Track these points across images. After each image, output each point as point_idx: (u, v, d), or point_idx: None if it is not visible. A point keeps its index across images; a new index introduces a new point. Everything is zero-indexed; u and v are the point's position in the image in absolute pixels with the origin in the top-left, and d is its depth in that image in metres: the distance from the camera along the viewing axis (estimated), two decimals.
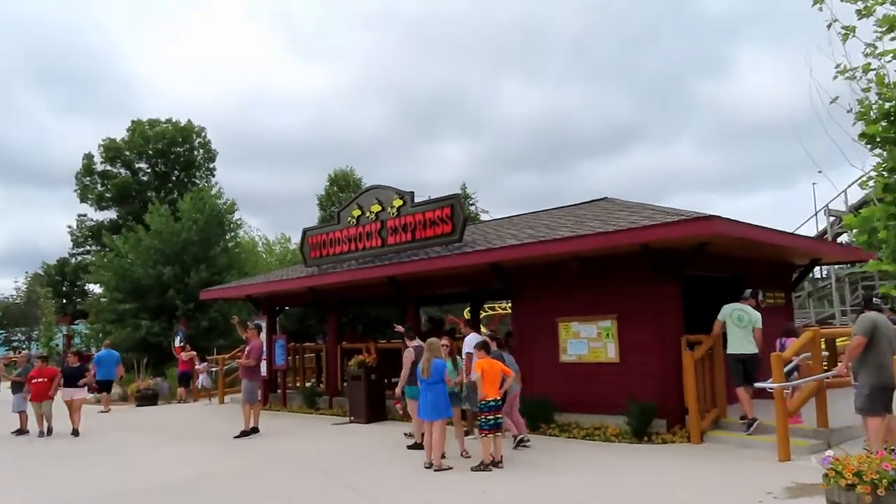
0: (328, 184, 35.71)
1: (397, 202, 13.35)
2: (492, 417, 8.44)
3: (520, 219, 14.78)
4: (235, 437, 11.69)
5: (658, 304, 10.38)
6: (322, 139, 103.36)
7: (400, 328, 11.56)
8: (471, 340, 10.51)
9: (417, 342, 10.80)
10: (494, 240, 12.24)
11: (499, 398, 8.55)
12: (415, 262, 12.51)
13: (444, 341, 9.59)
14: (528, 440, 9.64)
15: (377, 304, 21.08)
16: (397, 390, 10.99)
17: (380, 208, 13.74)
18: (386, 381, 13.59)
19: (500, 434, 8.51)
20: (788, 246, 11.30)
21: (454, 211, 12.31)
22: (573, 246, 10.43)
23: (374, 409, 12.92)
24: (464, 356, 10.21)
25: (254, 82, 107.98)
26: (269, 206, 78.17)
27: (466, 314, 36.34)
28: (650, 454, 8.91)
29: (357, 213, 14.23)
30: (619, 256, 10.77)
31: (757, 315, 10.02)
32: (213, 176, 42.87)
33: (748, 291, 10.33)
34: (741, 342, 9.59)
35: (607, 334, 10.96)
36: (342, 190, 35.53)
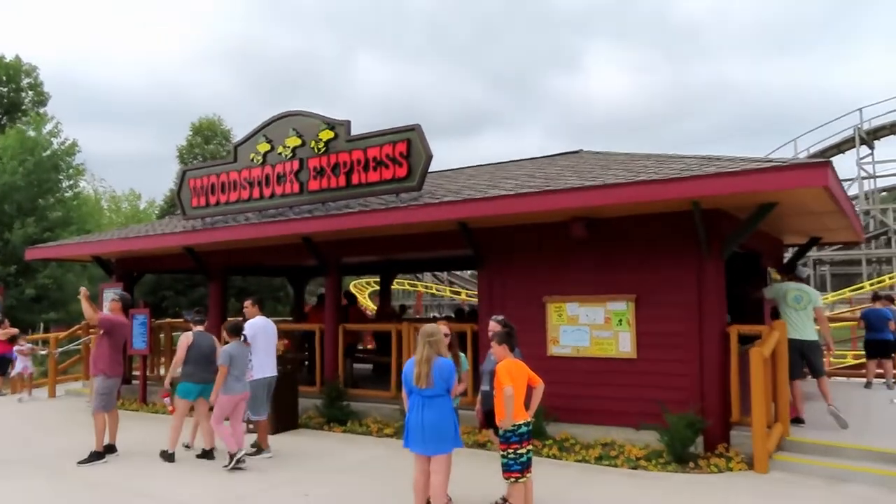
0: (191, 133, 30.67)
1: (326, 134, 9.79)
2: (524, 452, 5.44)
3: (480, 170, 11.70)
4: (80, 463, 7.77)
5: (699, 285, 7.77)
6: (167, 104, 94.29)
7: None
8: (257, 326, 8.13)
9: (200, 328, 8.28)
10: (461, 191, 9.11)
11: (530, 421, 5.55)
12: (349, 216, 9.10)
13: (444, 327, 6.31)
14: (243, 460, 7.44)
15: (282, 272, 17.02)
16: (166, 381, 8.60)
17: (299, 142, 10.10)
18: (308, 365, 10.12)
19: (530, 474, 5.53)
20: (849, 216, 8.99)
21: (412, 147, 8.99)
22: (591, 199, 7.55)
23: (285, 414, 9.41)
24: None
25: (93, 38, 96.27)
26: (112, 169, 69.43)
27: (353, 287, 32.83)
28: (718, 494, 6.28)
29: (264, 147, 10.48)
30: (647, 219, 8.06)
31: (816, 294, 8.30)
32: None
33: (802, 269, 8.18)
34: (801, 327, 8.15)
35: (620, 320, 8.24)
36: (208, 141, 30.69)
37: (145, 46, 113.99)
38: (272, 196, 10.36)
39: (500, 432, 5.50)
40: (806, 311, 8.12)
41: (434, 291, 32.92)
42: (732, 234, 7.73)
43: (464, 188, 9.28)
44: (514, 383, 5.42)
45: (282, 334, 10.60)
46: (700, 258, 7.74)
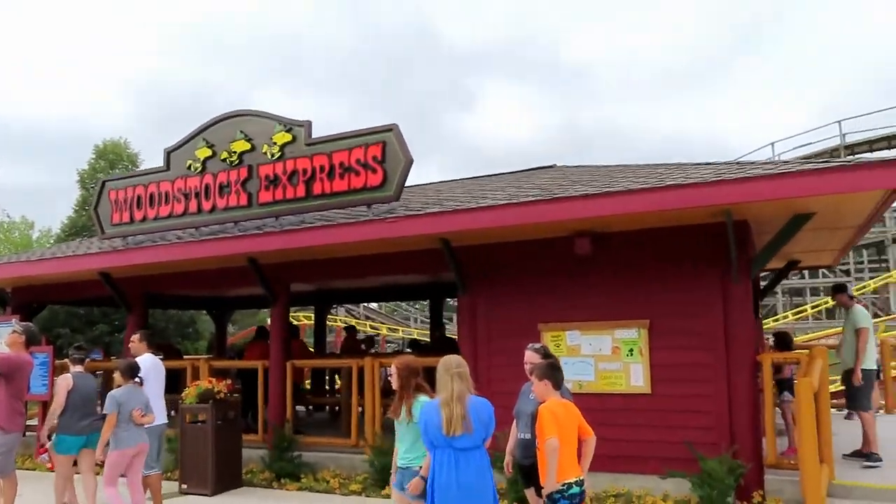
0: (94, 157, 28.17)
1: (282, 137, 8.37)
2: None
3: (452, 185, 10.51)
4: None
5: (725, 308, 6.81)
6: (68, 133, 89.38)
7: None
8: (146, 365, 6.51)
9: (79, 369, 6.80)
10: (443, 203, 7.90)
11: (582, 479, 4.32)
12: (311, 231, 7.70)
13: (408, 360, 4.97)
14: None
15: (207, 304, 14.97)
16: (42, 433, 7.31)
17: (248, 147, 8.63)
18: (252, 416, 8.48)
19: None
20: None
21: (388, 151, 7.72)
22: (607, 208, 6.52)
23: (226, 470, 7.72)
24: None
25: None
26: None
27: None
28: None
29: (204, 153, 8.93)
30: (663, 233, 7.08)
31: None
32: None
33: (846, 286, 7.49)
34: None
35: (630, 350, 7.16)
36: (112, 166, 28.23)
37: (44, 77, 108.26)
38: (213, 210, 8.80)
39: (546, 494, 4.22)
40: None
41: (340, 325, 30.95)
42: (764, 251, 6.85)
43: (445, 200, 8.07)
44: (560, 432, 4.18)
45: (217, 374, 8.96)
46: (726, 278, 6.79)
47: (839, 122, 30.56)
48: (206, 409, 7.58)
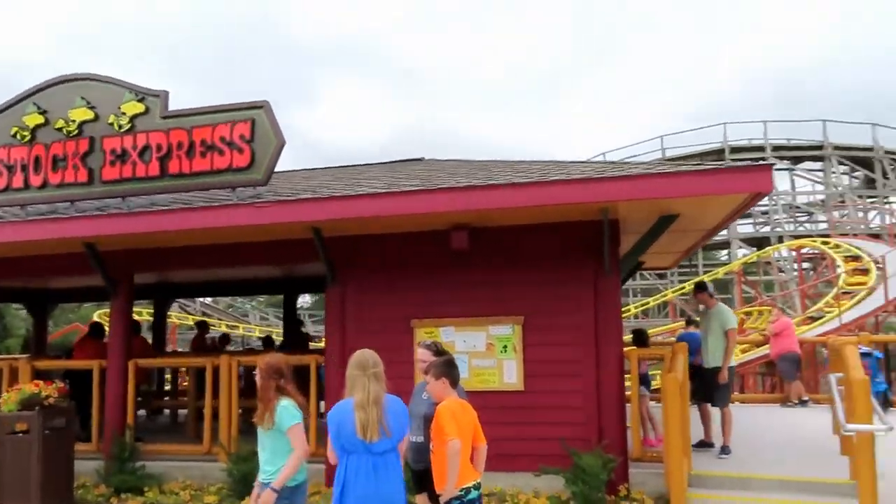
0: None
1: (133, 107, 7.42)
2: None
3: (320, 172, 9.92)
4: None
5: (596, 305, 6.96)
6: None
7: None
8: None
9: None
10: (317, 190, 7.43)
11: (479, 481, 4.14)
12: (167, 215, 6.91)
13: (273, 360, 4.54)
14: None
15: (23, 296, 13.01)
16: None
17: (90, 115, 7.56)
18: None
19: None
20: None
21: (257, 130, 7.08)
22: (488, 201, 6.41)
23: (53, 487, 6.70)
24: None
25: None
26: None
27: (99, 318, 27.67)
28: None
29: (35, 120, 7.72)
30: (540, 229, 7.11)
31: None
32: None
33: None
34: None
35: (504, 347, 7.13)
36: None
37: None
38: (44, 186, 7.63)
39: (445, 501, 3.98)
40: None
41: (177, 322, 28.86)
42: (633, 250, 7.09)
43: (317, 188, 7.59)
44: (461, 434, 3.97)
45: (41, 376, 7.84)
46: (598, 275, 6.94)
47: (661, 136, 33.42)
48: (30, 418, 6.53)
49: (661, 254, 10.14)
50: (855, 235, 25.67)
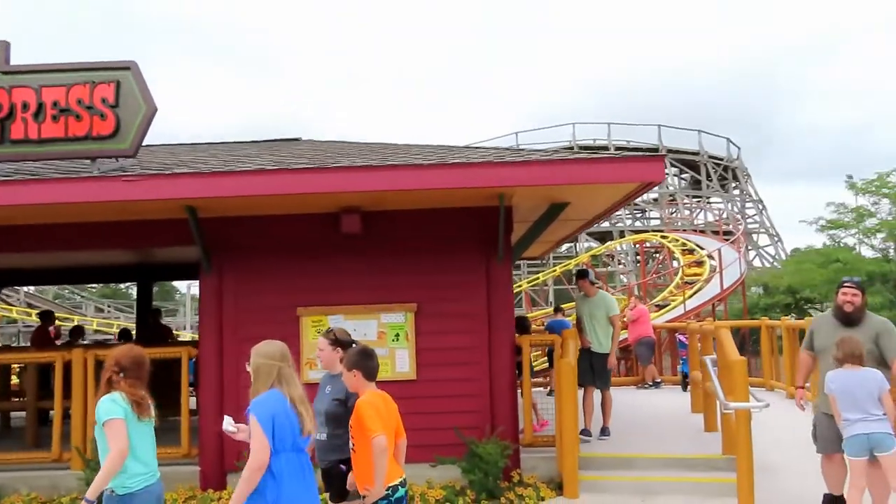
0: None
1: None
2: None
3: (197, 148, 8.99)
4: None
5: (489, 293, 6.90)
6: None
7: None
8: None
9: None
10: (186, 165, 6.71)
11: (405, 477, 3.88)
12: (15, 185, 5.92)
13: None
14: None
15: None
16: None
17: None
18: None
19: None
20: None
21: (122, 94, 6.23)
22: (383, 182, 6.10)
23: None
24: None
25: None
26: None
27: None
28: None
29: None
30: (433, 214, 6.92)
31: None
32: None
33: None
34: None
35: (396, 335, 6.89)
36: None
37: None
38: None
39: (369, 502, 3.67)
40: None
41: None
42: (525, 237, 7.10)
43: (192, 163, 6.88)
44: (386, 429, 3.69)
45: None
46: (490, 262, 6.89)
47: (516, 133, 34.59)
48: None
49: (538, 243, 10.36)
50: (684, 231, 27.99)
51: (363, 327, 6.89)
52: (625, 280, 28.34)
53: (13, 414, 9.31)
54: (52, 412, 7.22)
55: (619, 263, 30.14)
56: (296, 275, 6.89)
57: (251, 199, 6.26)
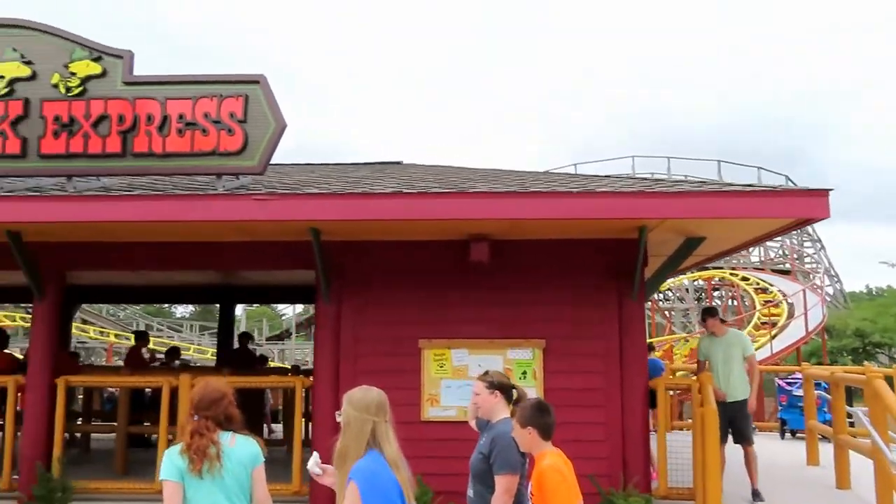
0: None
1: (85, 67, 6.01)
2: None
3: (314, 168, 8.68)
4: None
5: (621, 330, 6.38)
6: None
7: None
8: None
9: None
10: (313, 185, 6.37)
11: None
12: (131, 201, 5.62)
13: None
14: None
15: None
16: None
17: (26, 72, 6.05)
18: None
19: None
20: None
21: (250, 110, 5.93)
22: (525, 210, 5.69)
23: None
24: None
25: None
26: None
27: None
28: None
29: None
30: (566, 245, 6.46)
31: None
32: None
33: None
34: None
35: (524, 373, 6.39)
36: None
37: None
38: None
39: None
40: None
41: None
42: (656, 274, 6.60)
43: (315, 183, 6.53)
44: (573, 498, 3.17)
45: None
46: (623, 298, 6.40)
47: (575, 164, 34.15)
48: None
49: None
50: (754, 269, 27.09)
51: (488, 363, 6.38)
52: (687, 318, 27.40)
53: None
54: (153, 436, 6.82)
55: (681, 300, 29.25)
56: (418, 305, 6.47)
57: (379, 223, 5.87)
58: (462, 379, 6.37)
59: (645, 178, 7.69)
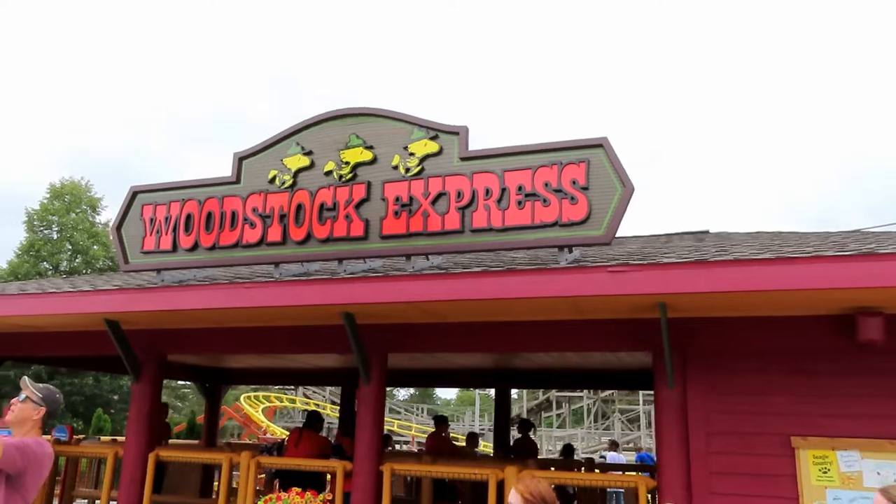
0: (48, 195, 24.89)
1: (423, 146, 6.07)
2: None
3: (630, 241, 8.28)
4: None
5: None
6: None
7: None
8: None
9: None
10: (659, 256, 5.74)
11: None
12: (483, 278, 5.35)
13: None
14: None
15: (207, 375, 11.89)
16: None
17: (368, 157, 6.25)
18: None
19: None
20: None
21: (593, 175, 5.53)
22: None
23: None
24: None
25: None
26: None
27: (246, 400, 25.64)
28: None
29: (299, 162, 6.48)
30: None
31: None
32: None
33: None
34: None
35: None
36: (69, 209, 25.03)
37: None
38: (307, 238, 6.28)
39: None
40: None
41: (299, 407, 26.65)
42: None
43: (663, 252, 5.90)
44: None
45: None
46: None
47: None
48: None
49: None
50: None
51: (889, 469, 5.14)
52: None
53: None
54: None
55: None
56: (788, 393, 5.42)
57: (747, 295, 5.02)
58: (855, 490, 5.14)
59: None
